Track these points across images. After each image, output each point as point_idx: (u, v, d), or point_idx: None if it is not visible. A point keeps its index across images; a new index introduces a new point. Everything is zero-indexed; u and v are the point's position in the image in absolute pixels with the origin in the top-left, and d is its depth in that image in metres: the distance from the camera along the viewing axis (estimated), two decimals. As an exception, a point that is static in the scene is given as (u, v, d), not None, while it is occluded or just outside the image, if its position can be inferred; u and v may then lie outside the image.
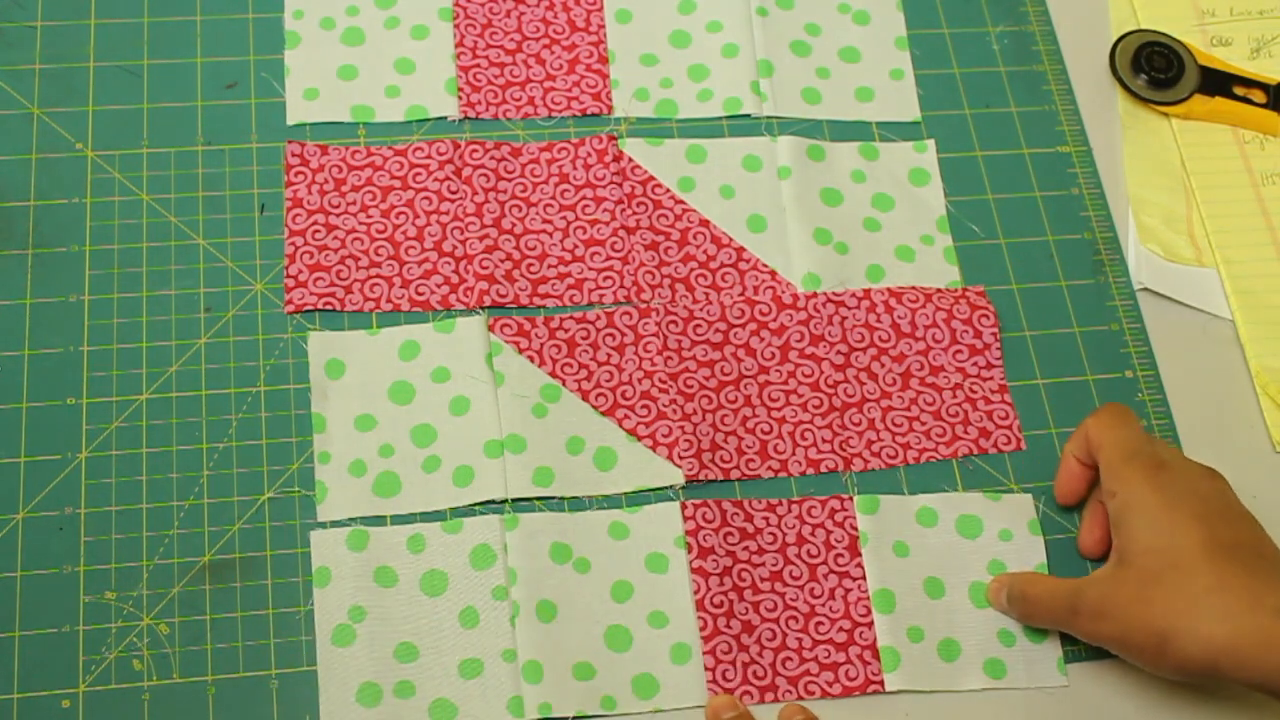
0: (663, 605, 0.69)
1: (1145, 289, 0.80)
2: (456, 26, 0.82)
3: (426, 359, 0.73)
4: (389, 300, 0.75)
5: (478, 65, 0.81)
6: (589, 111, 0.81)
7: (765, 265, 0.78)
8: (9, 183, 0.75)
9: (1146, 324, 0.80)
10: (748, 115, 0.82)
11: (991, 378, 0.76)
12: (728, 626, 0.69)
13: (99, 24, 0.79)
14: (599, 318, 0.75)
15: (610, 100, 0.82)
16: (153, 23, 0.80)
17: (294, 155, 0.77)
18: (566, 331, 0.75)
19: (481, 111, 0.80)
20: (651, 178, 0.79)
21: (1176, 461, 0.68)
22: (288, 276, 0.74)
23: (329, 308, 0.74)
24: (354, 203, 0.76)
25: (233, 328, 0.73)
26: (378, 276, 0.75)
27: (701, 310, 0.76)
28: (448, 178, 0.77)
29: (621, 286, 0.76)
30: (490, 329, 0.74)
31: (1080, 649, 0.71)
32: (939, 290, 0.78)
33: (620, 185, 0.78)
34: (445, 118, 0.80)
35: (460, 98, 0.80)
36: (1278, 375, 0.78)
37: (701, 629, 0.69)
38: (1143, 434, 0.70)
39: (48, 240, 0.74)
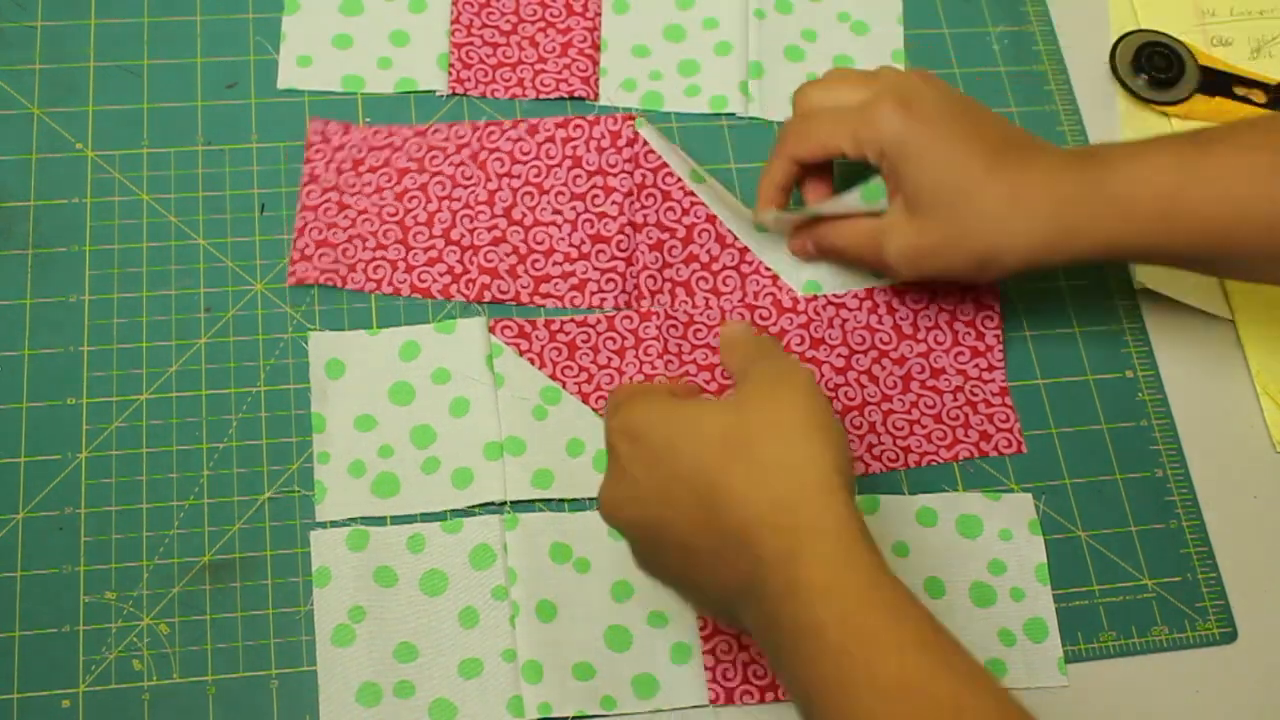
0: (663, 605, 0.69)
1: (1145, 289, 0.80)
2: (455, 3, 0.82)
3: (427, 360, 0.73)
4: (390, 283, 0.74)
5: (471, 43, 0.81)
6: (575, 94, 0.81)
7: (767, 269, 0.77)
8: (9, 183, 0.75)
9: (1146, 324, 0.80)
10: (732, 114, 0.82)
11: (993, 380, 0.76)
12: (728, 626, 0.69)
13: (99, 24, 0.79)
14: (599, 321, 0.75)
15: (596, 87, 0.81)
16: (153, 23, 0.80)
17: (315, 133, 0.77)
18: (567, 334, 0.74)
19: (470, 89, 0.80)
20: (664, 164, 0.77)
21: (915, 90, 0.69)
22: (294, 249, 0.75)
23: (329, 283, 0.74)
24: (369, 183, 0.76)
25: (233, 328, 0.73)
26: (382, 259, 0.75)
27: (702, 314, 0.76)
28: (463, 162, 0.77)
29: (623, 291, 0.76)
30: (491, 330, 0.74)
31: (1080, 649, 0.71)
32: (943, 289, 0.78)
33: (632, 174, 0.77)
34: (434, 92, 0.80)
35: (450, 74, 0.80)
36: (1278, 375, 0.78)
37: (701, 629, 0.69)
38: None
39: (48, 240, 0.74)
